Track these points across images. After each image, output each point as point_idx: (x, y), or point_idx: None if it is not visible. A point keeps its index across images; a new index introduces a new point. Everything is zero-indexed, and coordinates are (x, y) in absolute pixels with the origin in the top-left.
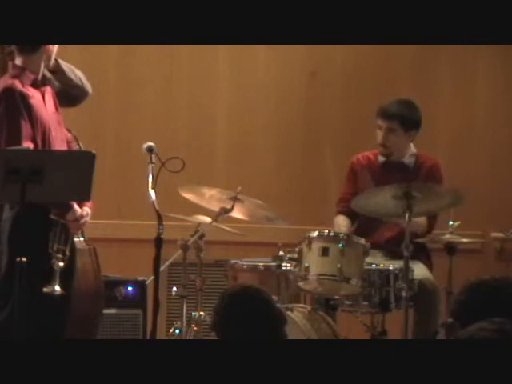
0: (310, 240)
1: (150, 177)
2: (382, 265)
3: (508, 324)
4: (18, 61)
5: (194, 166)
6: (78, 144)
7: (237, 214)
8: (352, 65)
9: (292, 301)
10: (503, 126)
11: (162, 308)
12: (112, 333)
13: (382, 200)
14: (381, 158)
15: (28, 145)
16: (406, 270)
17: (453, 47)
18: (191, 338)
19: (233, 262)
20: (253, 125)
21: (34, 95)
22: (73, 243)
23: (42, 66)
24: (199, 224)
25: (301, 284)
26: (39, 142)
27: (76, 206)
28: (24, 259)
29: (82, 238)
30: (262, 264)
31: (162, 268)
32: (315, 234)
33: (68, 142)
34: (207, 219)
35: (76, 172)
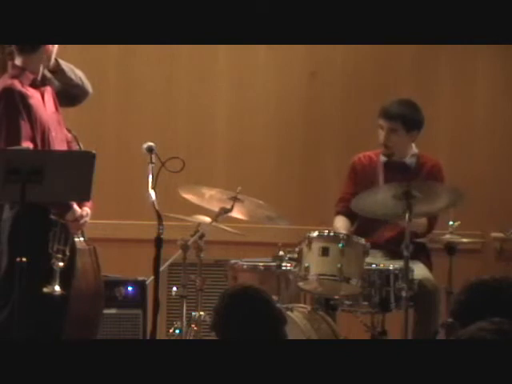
0: (310, 240)
1: (150, 177)
2: (382, 265)
3: (507, 324)
4: (18, 61)
5: (194, 165)
6: (78, 144)
7: (237, 213)
8: (352, 65)
9: (292, 301)
10: (503, 126)
11: (162, 308)
12: (112, 333)
13: (381, 200)
14: (382, 158)
15: (27, 145)
16: (406, 270)
17: (453, 47)
18: (191, 338)
19: (233, 261)
20: (253, 125)
21: (33, 95)
22: (73, 243)
23: (42, 65)
24: (199, 224)
25: (301, 284)
26: (38, 142)
27: (76, 206)
28: (24, 259)
29: (81, 238)
30: (262, 264)
31: (162, 268)
32: (315, 234)
33: (68, 142)
34: (207, 219)
35: (76, 172)
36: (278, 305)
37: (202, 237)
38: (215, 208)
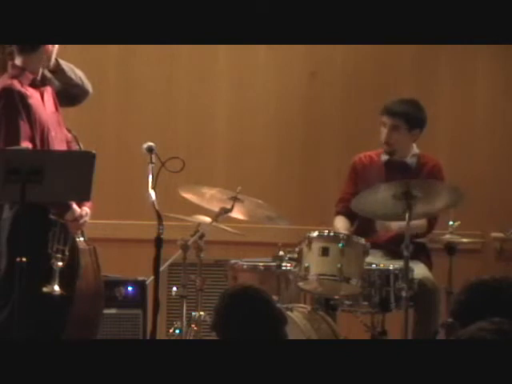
0: (310, 240)
1: (150, 177)
2: (382, 265)
3: (507, 324)
4: (18, 61)
5: (194, 165)
6: (78, 144)
7: (237, 213)
8: (352, 65)
9: (292, 301)
10: (503, 126)
11: (162, 308)
12: (112, 333)
13: (381, 200)
14: (383, 158)
15: (26, 145)
16: (406, 269)
17: (453, 47)
18: (191, 338)
19: (233, 261)
20: (253, 125)
21: (32, 95)
22: (75, 243)
23: (41, 65)
24: (199, 224)
25: (301, 284)
26: (38, 142)
27: (75, 206)
28: (24, 259)
29: (82, 238)
30: (262, 264)
31: (161, 268)
32: (315, 234)
33: (68, 142)
34: (207, 219)
35: (76, 172)
36: (278, 305)
37: (202, 237)
38: (215, 208)
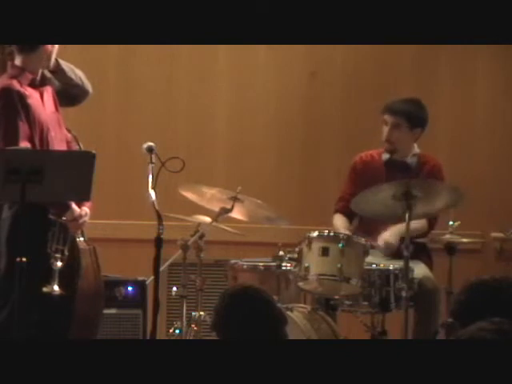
0: (310, 240)
1: (150, 177)
2: (382, 265)
3: (507, 324)
4: (18, 61)
5: (194, 165)
6: (78, 144)
7: (237, 214)
8: (352, 65)
9: (292, 301)
10: (503, 126)
11: (162, 308)
12: (112, 333)
13: (381, 200)
14: (384, 157)
15: (25, 145)
16: (406, 269)
17: (453, 47)
18: (191, 338)
19: (233, 261)
20: (253, 125)
21: (32, 95)
22: (75, 244)
23: (41, 65)
24: (199, 224)
25: (301, 284)
26: (37, 142)
27: (74, 206)
28: (24, 259)
29: (82, 238)
30: (262, 264)
31: (161, 268)
32: (315, 234)
33: (68, 142)
34: (207, 219)
35: (76, 172)
36: (278, 305)
37: (202, 237)
38: (215, 208)
